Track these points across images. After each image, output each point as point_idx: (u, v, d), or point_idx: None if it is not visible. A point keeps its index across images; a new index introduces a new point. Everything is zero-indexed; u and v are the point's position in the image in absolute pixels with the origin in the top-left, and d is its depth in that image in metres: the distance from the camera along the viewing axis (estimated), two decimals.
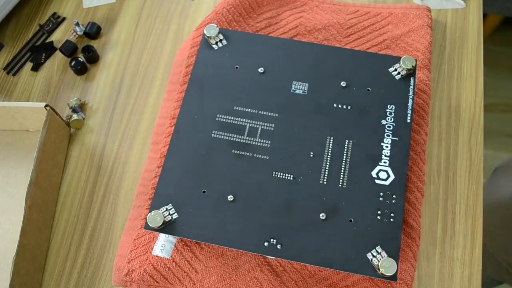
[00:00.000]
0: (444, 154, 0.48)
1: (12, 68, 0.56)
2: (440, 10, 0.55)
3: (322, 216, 0.39)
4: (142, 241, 0.43)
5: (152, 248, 0.42)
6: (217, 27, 0.46)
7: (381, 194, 0.39)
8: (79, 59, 0.54)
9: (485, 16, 1.24)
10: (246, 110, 0.43)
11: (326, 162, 0.41)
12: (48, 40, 0.57)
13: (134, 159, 0.49)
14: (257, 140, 0.42)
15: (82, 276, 0.44)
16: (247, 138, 0.42)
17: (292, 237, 0.38)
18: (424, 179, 0.44)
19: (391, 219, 0.38)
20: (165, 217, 0.39)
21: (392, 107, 0.43)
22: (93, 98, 0.53)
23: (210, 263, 0.41)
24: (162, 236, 0.42)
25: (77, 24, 0.56)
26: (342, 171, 0.40)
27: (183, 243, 0.42)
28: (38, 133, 0.45)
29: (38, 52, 0.56)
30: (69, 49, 0.55)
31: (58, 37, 0.57)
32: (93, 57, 0.54)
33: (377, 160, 0.41)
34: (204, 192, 0.40)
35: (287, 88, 0.44)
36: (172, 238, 0.42)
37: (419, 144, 0.45)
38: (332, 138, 0.42)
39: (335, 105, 0.43)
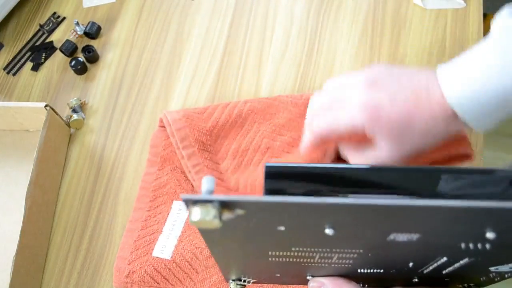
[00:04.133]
0: None
1: (12, 68, 0.56)
2: (440, 10, 0.55)
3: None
4: (142, 242, 0.43)
5: (152, 250, 0.42)
6: (214, 202, 0.21)
7: (495, 275, 0.31)
8: (79, 59, 0.54)
9: (485, 16, 1.23)
10: (312, 249, 0.28)
11: (427, 268, 0.30)
12: (48, 40, 0.57)
13: (134, 159, 0.49)
14: (333, 262, 0.30)
15: (82, 276, 0.44)
16: (319, 261, 0.30)
17: None
18: None
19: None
20: (244, 284, 0.35)
21: None
22: (93, 98, 0.53)
23: (210, 264, 0.41)
24: (162, 238, 0.42)
25: (77, 23, 0.56)
26: (449, 270, 0.30)
27: (183, 244, 0.42)
28: (38, 133, 0.45)
29: (38, 52, 0.56)
30: (69, 49, 0.55)
31: (58, 37, 0.57)
32: (93, 57, 0.54)
33: (506, 263, 0.29)
34: (276, 273, 0.34)
35: (379, 237, 0.26)
36: (172, 240, 0.42)
37: None
38: (444, 258, 0.29)
39: (463, 246, 0.27)
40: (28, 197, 0.42)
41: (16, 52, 0.56)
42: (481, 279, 0.32)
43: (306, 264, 0.31)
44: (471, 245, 0.26)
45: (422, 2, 0.54)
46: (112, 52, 0.55)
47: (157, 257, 0.42)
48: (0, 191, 0.49)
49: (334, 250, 0.28)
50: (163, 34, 0.56)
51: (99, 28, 0.56)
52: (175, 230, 0.43)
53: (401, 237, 0.25)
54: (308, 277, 0.33)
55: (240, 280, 0.35)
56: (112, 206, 0.47)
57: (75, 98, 0.52)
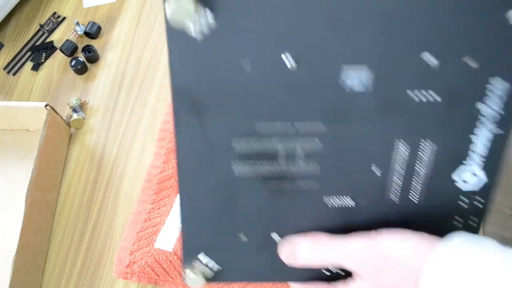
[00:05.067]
0: None
1: (13, 67, 0.56)
2: None
3: None
4: (145, 234, 0.43)
5: (154, 241, 0.42)
6: None
7: (467, 201, 0.31)
8: (79, 58, 0.54)
9: None
10: (274, 124, 0.28)
11: (393, 174, 0.30)
12: (48, 40, 0.57)
13: (134, 159, 0.49)
14: (297, 164, 0.30)
15: (82, 276, 0.44)
16: (284, 164, 0.29)
17: None
18: None
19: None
20: (205, 274, 0.33)
21: (503, 83, 0.27)
22: (93, 97, 0.53)
23: None
24: (164, 230, 0.43)
25: (78, 23, 0.56)
26: (417, 181, 0.30)
27: None
28: (38, 132, 0.45)
29: (39, 52, 0.56)
30: (69, 49, 0.55)
31: (58, 36, 0.57)
32: (93, 57, 0.54)
33: (465, 159, 0.29)
34: (241, 233, 0.32)
35: (333, 81, 0.27)
36: (174, 232, 0.43)
37: None
38: (401, 141, 0.29)
39: (409, 93, 0.27)
40: (28, 197, 0.42)
41: (16, 52, 0.56)
42: (455, 215, 0.31)
43: (272, 183, 0.30)
44: (418, 94, 0.27)
45: None
46: (112, 52, 0.55)
47: (158, 249, 0.42)
48: (0, 191, 0.49)
49: (296, 123, 0.28)
50: (163, 33, 0.56)
51: (99, 28, 0.56)
52: (177, 222, 0.43)
53: (353, 77, 0.27)
54: (273, 236, 0.32)
55: (202, 263, 0.32)
56: (112, 206, 0.47)
57: (75, 98, 0.52)
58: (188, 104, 0.28)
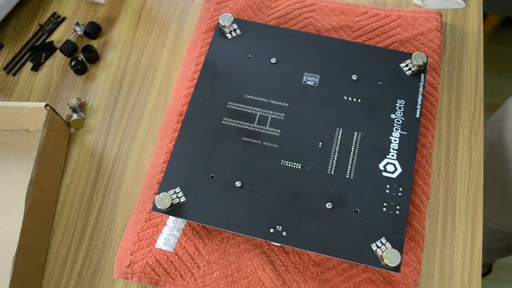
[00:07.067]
0: (444, 154, 0.48)
1: (12, 68, 0.56)
2: (440, 10, 0.55)
3: (329, 205, 0.40)
4: (145, 234, 0.43)
5: (155, 242, 0.42)
6: (231, 16, 0.48)
7: (388, 186, 0.40)
8: (79, 59, 0.54)
9: (485, 16, 1.24)
10: (257, 99, 0.44)
11: (334, 152, 0.42)
12: (48, 40, 0.57)
13: (134, 159, 0.49)
14: (266, 129, 0.43)
15: (82, 276, 0.44)
16: (257, 126, 0.43)
17: (298, 225, 0.39)
18: (430, 182, 0.44)
19: (397, 212, 0.39)
20: (173, 199, 0.40)
21: (402, 102, 0.44)
22: (93, 98, 0.53)
23: (213, 259, 0.42)
24: (166, 230, 0.43)
25: (77, 23, 0.56)
26: (350, 162, 0.41)
27: (186, 237, 0.42)
28: (38, 133, 0.45)
29: (38, 52, 0.56)
30: (69, 49, 0.55)
31: (58, 37, 0.57)
32: (93, 57, 0.54)
33: (385, 153, 0.41)
34: (212, 177, 0.41)
35: (298, 79, 0.45)
36: (175, 232, 0.43)
37: (425, 147, 0.45)
38: (341, 129, 0.42)
39: (345, 98, 0.44)
40: (28, 197, 0.42)
41: (16, 52, 0.56)
42: (384, 203, 0.40)
43: (246, 135, 0.42)
44: (350, 98, 0.44)
45: (422, 2, 0.55)
46: (112, 52, 0.55)
47: (159, 249, 0.42)
48: (0, 191, 0.49)
49: (271, 100, 0.44)
50: (163, 34, 0.56)
51: (99, 28, 0.56)
52: (179, 223, 0.43)
53: (310, 79, 0.44)
54: (236, 183, 0.40)
55: (175, 193, 0.40)
56: (112, 206, 0.47)
57: (75, 98, 0.52)
58: (209, 72, 0.45)
